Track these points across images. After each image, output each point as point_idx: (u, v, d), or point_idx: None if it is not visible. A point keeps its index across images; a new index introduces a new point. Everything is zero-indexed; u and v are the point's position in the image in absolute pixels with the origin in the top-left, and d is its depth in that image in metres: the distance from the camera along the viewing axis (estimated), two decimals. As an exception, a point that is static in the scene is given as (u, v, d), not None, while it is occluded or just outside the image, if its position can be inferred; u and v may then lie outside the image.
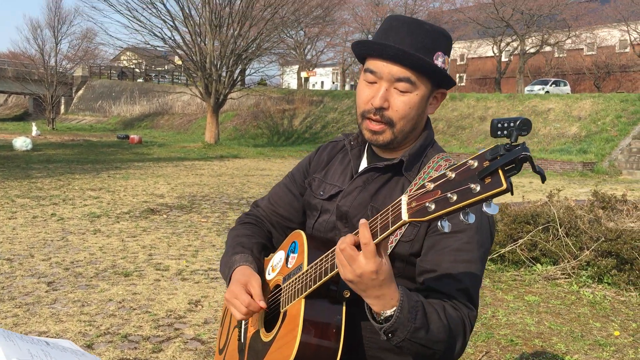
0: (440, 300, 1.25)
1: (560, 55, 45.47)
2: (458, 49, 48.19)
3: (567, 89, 36.89)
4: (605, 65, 42.33)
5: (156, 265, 6.46)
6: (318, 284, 1.27)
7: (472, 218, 0.97)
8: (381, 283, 1.13)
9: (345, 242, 1.15)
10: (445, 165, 1.35)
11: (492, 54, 43.61)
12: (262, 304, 1.40)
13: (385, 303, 1.16)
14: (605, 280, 5.23)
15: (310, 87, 49.07)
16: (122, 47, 36.81)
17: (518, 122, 0.99)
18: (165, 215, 9.47)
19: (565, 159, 21.17)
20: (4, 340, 1.12)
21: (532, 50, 39.72)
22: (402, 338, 1.16)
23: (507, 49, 41.40)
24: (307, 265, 1.34)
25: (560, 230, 5.36)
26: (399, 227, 1.06)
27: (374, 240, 1.11)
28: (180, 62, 31.63)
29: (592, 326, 4.30)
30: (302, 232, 1.46)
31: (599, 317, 4.51)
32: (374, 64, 1.36)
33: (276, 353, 1.35)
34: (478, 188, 0.94)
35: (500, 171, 0.92)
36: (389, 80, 1.34)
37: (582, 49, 44.84)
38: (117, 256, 6.78)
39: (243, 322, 1.61)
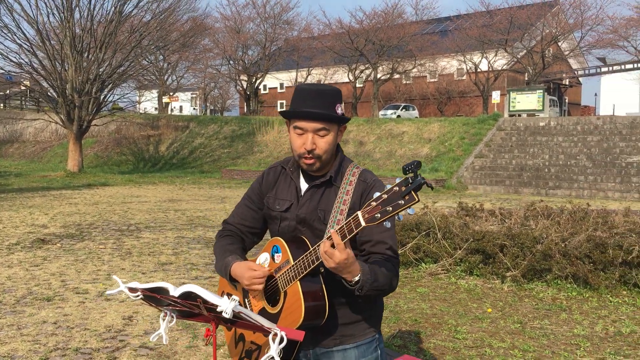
0: (379, 259, 2.06)
1: (408, 82, 49.43)
2: (316, 75, 50.43)
3: (415, 112, 40.35)
4: (447, 91, 46.80)
5: (74, 289, 6.69)
6: (309, 270, 1.96)
7: (401, 217, 1.81)
8: (350, 264, 1.89)
9: (326, 246, 1.89)
10: (357, 171, 2.15)
11: (348, 80, 46.27)
12: (266, 270, 2.06)
13: (353, 274, 1.92)
14: (475, 273, 6.47)
15: (169, 112, 48.55)
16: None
17: (416, 164, 1.78)
18: (59, 245, 9.48)
19: (421, 176, 23.35)
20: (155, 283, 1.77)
21: (384, 77, 42.88)
22: (366, 290, 1.95)
23: (360, 75, 44.27)
24: (294, 260, 2.01)
25: (438, 234, 6.52)
26: (359, 230, 1.83)
27: (342, 241, 1.85)
28: (29, 86, 30.02)
29: (471, 306, 5.42)
30: (281, 239, 2.11)
31: (475, 300, 5.66)
32: (300, 123, 2.09)
33: (288, 318, 2.00)
34: (402, 202, 1.74)
35: (412, 192, 1.74)
36: (312, 131, 2.08)
37: (426, 76, 49.11)
38: (29, 284, 6.89)
39: (248, 304, 2.20)
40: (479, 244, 6.46)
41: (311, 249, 1.96)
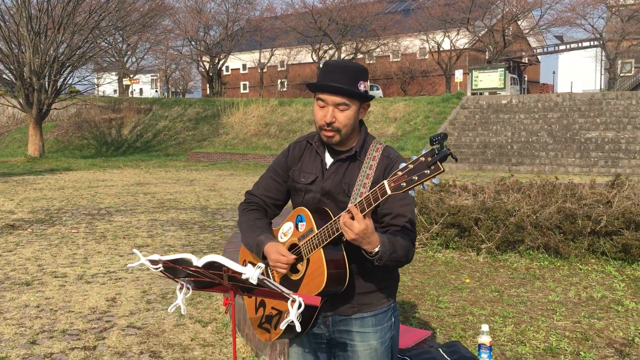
0: (397, 231, 2.17)
1: (371, 62, 49.54)
2: (279, 55, 50.09)
3: (379, 92, 40.53)
4: (410, 71, 47.12)
5: (52, 273, 6.64)
6: (331, 238, 2.05)
7: (425, 187, 1.91)
8: (370, 235, 1.98)
9: (345, 218, 1.98)
10: (380, 147, 2.24)
11: (311, 61, 46.13)
12: (292, 258, 2.13)
13: (373, 245, 2.01)
14: (451, 246, 6.66)
15: (129, 95, 47.64)
16: None
17: (442, 136, 1.85)
18: (30, 230, 9.33)
19: (387, 155, 23.61)
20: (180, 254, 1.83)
21: (347, 58, 42.89)
22: (385, 260, 2.05)
23: (324, 56, 44.20)
24: (317, 229, 2.10)
25: (415, 209, 6.67)
26: (384, 199, 1.92)
27: (362, 213, 1.94)
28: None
29: (449, 278, 5.60)
30: (305, 208, 2.20)
31: (452, 271, 5.85)
32: (322, 95, 2.16)
33: (310, 284, 2.09)
34: (428, 171, 1.82)
35: (438, 162, 1.81)
36: (333, 104, 2.15)
37: (389, 56, 49.32)
38: (5, 269, 6.80)
39: (269, 272, 2.27)
40: (455, 218, 6.65)
41: (333, 219, 2.04)
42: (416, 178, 1.80)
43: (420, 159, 1.81)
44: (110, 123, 34.17)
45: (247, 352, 4.35)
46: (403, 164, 1.88)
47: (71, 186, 16.26)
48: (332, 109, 2.12)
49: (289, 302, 1.90)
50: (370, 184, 2.10)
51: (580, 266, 5.93)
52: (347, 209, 1.96)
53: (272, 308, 2.19)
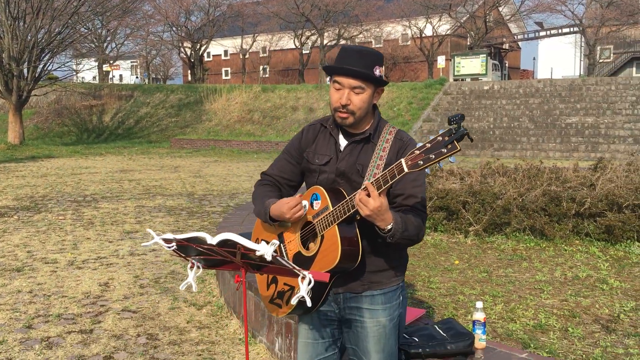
0: (409, 211, 2.25)
1: (354, 48, 49.44)
2: (261, 41, 49.80)
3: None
4: (392, 57, 47.18)
5: (42, 259, 6.63)
6: (346, 216, 2.12)
7: (441, 165, 1.99)
8: (384, 212, 2.05)
9: (361, 195, 2.04)
10: (393, 130, 2.32)
11: (294, 47, 45.94)
12: (299, 197, 2.21)
13: (386, 222, 2.08)
14: (439, 229, 6.77)
15: (108, 82, 47.09)
16: None
17: (460, 116, 1.93)
18: (16, 217, 9.27)
19: (371, 141, 23.72)
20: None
21: (330, 44, 42.81)
22: (397, 238, 2.13)
23: (307, 42, 44.06)
24: (332, 207, 2.16)
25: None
26: (401, 176, 1.98)
27: (377, 191, 2.00)
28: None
29: (439, 259, 5.72)
30: (321, 187, 2.26)
31: (442, 253, 5.96)
32: (339, 78, 2.23)
33: (324, 260, 2.16)
34: (445, 150, 1.89)
35: (455, 141, 1.89)
36: (349, 87, 2.22)
37: (372, 42, 49.27)
38: (-6, 256, 6.78)
39: (283, 249, 2.35)
40: (443, 202, 6.76)
41: (348, 197, 2.11)
42: (433, 156, 1.86)
43: (438, 138, 1.88)
44: (91, 110, 33.80)
45: (243, 333, 4.42)
46: (420, 144, 1.95)
47: (54, 173, 16.12)
48: (348, 91, 2.18)
49: (299, 278, 1.96)
50: (383, 165, 2.17)
51: (565, 247, 6.07)
52: (364, 186, 2.02)
53: (285, 284, 2.25)
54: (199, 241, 1.95)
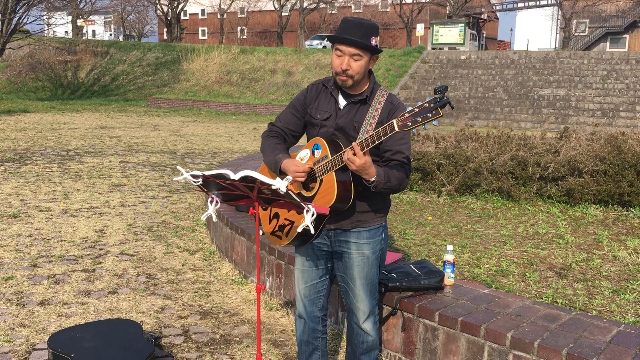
0: (396, 165, 2.67)
1: (333, 12, 49.28)
2: (239, 1, 49.24)
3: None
4: (371, 23, 47.10)
5: (36, 207, 6.92)
6: (343, 164, 2.51)
7: (426, 127, 2.40)
8: (368, 167, 2.45)
9: (348, 154, 2.45)
10: (385, 94, 2.74)
11: (273, 8, 45.51)
12: (307, 167, 2.60)
13: (370, 175, 2.49)
14: (415, 189, 7.25)
15: (83, 37, 46.17)
16: None
17: (444, 87, 2.31)
18: (3, 168, 9.47)
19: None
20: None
21: (310, 7, 42.57)
22: (380, 187, 2.55)
23: (286, 4, 43.70)
24: (331, 156, 2.56)
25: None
26: (391, 134, 2.38)
27: (367, 148, 2.40)
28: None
29: (414, 215, 6.19)
30: (321, 138, 2.65)
31: (416, 210, 6.44)
32: (340, 46, 2.61)
33: (321, 200, 2.56)
34: (430, 115, 2.30)
35: (439, 108, 2.30)
36: (349, 54, 2.61)
37: (351, 7, 49.12)
38: (-12, 203, 7.04)
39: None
40: (419, 163, 7.21)
41: (344, 149, 2.49)
42: (420, 119, 2.26)
43: (425, 104, 2.26)
44: (66, 65, 33.31)
45: (235, 275, 4.84)
46: (410, 108, 2.34)
47: (33, 128, 16.16)
48: (348, 58, 2.55)
49: (304, 211, 2.36)
50: (375, 123, 2.56)
51: (529, 207, 6.60)
52: (351, 146, 2.41)
53: (285, 219, 2.65)
54: (223, 177, 2.33)
